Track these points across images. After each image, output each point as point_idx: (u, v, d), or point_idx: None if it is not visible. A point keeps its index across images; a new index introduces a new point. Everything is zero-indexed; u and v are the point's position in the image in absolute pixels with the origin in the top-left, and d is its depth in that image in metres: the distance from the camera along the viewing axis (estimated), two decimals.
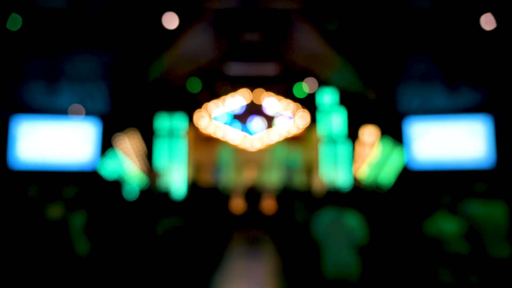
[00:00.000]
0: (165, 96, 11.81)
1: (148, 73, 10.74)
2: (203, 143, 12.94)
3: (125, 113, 11.22)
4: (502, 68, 10.15)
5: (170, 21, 8.36)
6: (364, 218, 3.93)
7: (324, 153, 12.16)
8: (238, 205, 12.35)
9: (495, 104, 10.71)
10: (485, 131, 10.83)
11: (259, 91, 12.69)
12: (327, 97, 12.13)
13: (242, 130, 12.94)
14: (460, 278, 3.77)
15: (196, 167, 12.75)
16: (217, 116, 12.76)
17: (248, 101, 12.79)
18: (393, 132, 11.23)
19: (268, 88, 12.68)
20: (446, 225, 3.95)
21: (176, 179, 11.78)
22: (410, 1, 9.51)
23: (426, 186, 6.77)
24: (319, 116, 12.26)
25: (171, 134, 12.00)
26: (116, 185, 4.80)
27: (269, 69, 12.40)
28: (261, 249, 8.97)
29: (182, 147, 12.17)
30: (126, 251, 4.21)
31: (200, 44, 11.28)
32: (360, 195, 5.47)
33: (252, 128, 12.94)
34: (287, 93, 12.48)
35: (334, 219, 3.84)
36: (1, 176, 10.25)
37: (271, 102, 12.78)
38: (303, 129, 12.80)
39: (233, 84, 12.58)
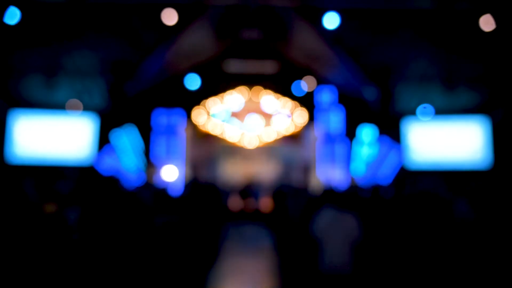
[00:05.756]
0: (163, 92, 11.78)
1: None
2: (200, 140, 12.91)
3: (123, 109, 11.18)
4: (500, 70, 10.17)
5: (169, 17, 8.31)
6: (361, 217, 3.94)
7: (321, 151, 12.16)
8: (235, 202, 12.34)
9: (492, 105, 10.73)
10: (482, 131, 10.85)
11: (257, 88, 12.67)
12: (326, 96, 12.13)
13: (240, 127, 12.92)
14: (454, 274, 3.79)
15: (194, 163, 12.73)
16: (215, 113, 12.74)
17: (247, 99, 12.77)
18: (391, 132, 11.24)
19: (266, 86, 12.66)
20: (440, 224, 3.97)
21: (173, 176, 11.76)
22: (409, 1, 9.51)
23: (423, 186, 6.79)
24: (317, 115, 12.26)
25: (169, 130, 11.98)
26: (113, 181, 4.79)
27: (267, 67, 12.38)
28: (258, 246, 8.98)
29: (179, 143, 12.15)
30: (122, 247, 4.20)
31: (199, 40, 11.25)
32: (357, 195, 5.48)
33: (250, 126, 12.92)
34: (286, 91, 12.47)
35: (333, 218, 3.86)
36: None
37: (269, 100, 12.76)
38: (301, 127, 12.80)
39: (232, 82, 12.56)
